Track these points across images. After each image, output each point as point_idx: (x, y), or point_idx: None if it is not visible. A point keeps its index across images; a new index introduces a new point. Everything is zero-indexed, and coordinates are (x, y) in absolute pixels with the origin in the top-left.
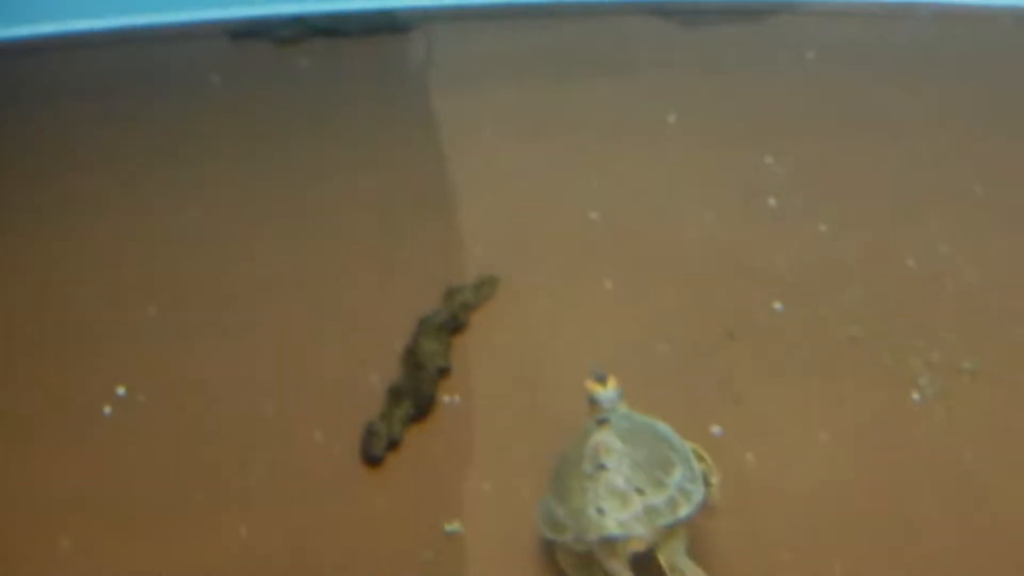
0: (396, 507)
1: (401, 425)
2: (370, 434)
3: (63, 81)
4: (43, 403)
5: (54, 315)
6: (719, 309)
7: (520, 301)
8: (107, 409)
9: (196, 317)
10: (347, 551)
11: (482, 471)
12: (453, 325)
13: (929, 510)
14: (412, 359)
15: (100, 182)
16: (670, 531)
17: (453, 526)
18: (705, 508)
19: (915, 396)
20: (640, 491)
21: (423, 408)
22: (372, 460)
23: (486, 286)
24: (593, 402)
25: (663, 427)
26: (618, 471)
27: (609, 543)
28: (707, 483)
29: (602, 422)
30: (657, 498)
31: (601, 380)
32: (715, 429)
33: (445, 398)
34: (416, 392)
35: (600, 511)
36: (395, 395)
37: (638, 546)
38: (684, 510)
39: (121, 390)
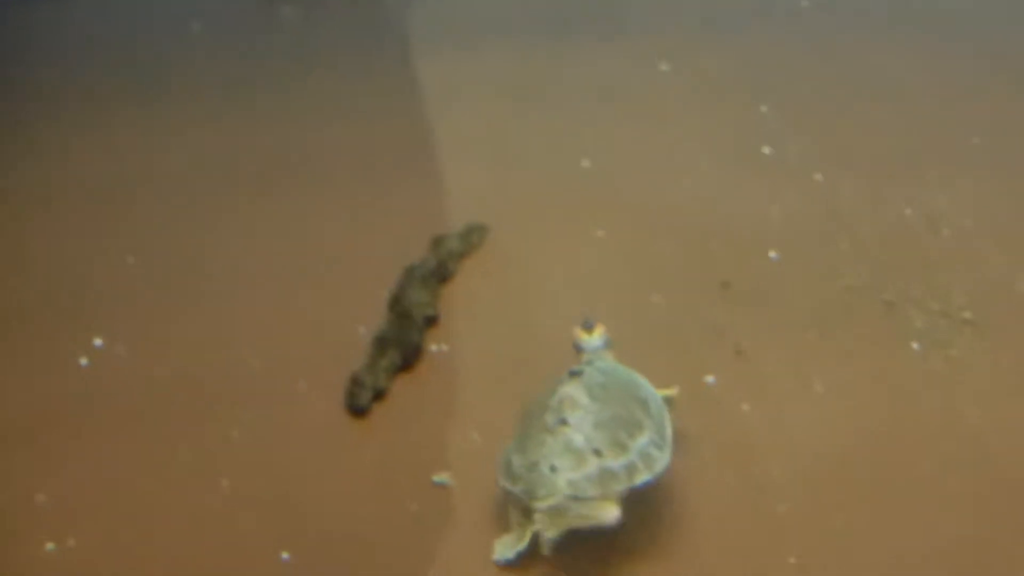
0: (382, 459)
1: (387, 375)
2: (355, 384)
3: (41, 26)
4: (13, 353)
5: (29, 263)
6: (714, 258)
7: (509, 249)
8: (83, 360)
9: (177, 267)
10: (332, 505)
11: (471, 421)
12: (441, 274)
13: (928, 463)
14: (398, 308)
15: (78, 130)
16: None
17: (441, 477)
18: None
19: (914, 346)
20: (598, 452)
21: (410, 357)
22: (357, 411)
23: (474, 234)
24: (579, 349)
25: (645, 387)
26: (579, 428)
27: (550, 508)
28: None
29: (574, 374)
30: (615, 461)
31: (588, 327)
32: (709, 379)
33: (433, 347)
34: (402, 341)
35: (553, 468)
36: (381, 344)
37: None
38: (641, 477)
39: (98, 341)
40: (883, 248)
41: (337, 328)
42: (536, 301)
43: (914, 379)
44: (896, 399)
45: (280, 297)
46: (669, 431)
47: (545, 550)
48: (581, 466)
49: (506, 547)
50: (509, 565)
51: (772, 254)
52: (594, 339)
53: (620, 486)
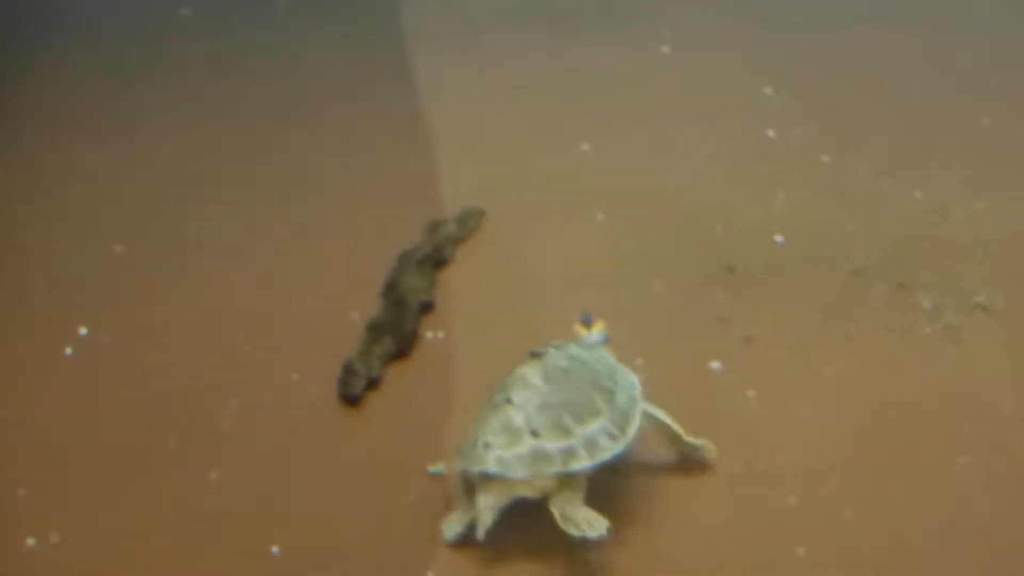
0: (377, 449)
1: (381, 363)
2: (348, 372)
3: (26, 12)
4: None
5: (12, 252)
6: (718, 242)
7: (507, 234)
8: (68, 350)
9: (165, 255)
10: (324, 497)
11: (467, 410)
12: (437, 259)
13: (940, 451)
14: (393, 294)
15: (65, 116)
16: (564, 481)
17: (438, 467)
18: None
19: (925, 330)
20: (535, 433)
21: (405, 345)
22: (350, 399)
23: (471, 219)
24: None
25: (621, 380)
26: (522, 408)
27: (487, 479)
28: (696, 448)
29: (536, 355)
30: (552, 444)
31: (587, 323)
32: (714, 365)
33: (428, 334)
34: (397, 328)
35: (486, 445)
36: (375, 331)
37: (527, 491)
38: (579, 463)
39: (83, 330)
40: (892, 231)
41: (330, 315)
42: (534, 287)
43: (925, 364)
44: (906, 385)
45: (271, 284)
46: (634, 425)
47: (480, 534)
48: (514, 445)
49: (451, 525)
50: (457, 541)
51: (778, 238)
52: (593, 335)
53: (552, 469)
